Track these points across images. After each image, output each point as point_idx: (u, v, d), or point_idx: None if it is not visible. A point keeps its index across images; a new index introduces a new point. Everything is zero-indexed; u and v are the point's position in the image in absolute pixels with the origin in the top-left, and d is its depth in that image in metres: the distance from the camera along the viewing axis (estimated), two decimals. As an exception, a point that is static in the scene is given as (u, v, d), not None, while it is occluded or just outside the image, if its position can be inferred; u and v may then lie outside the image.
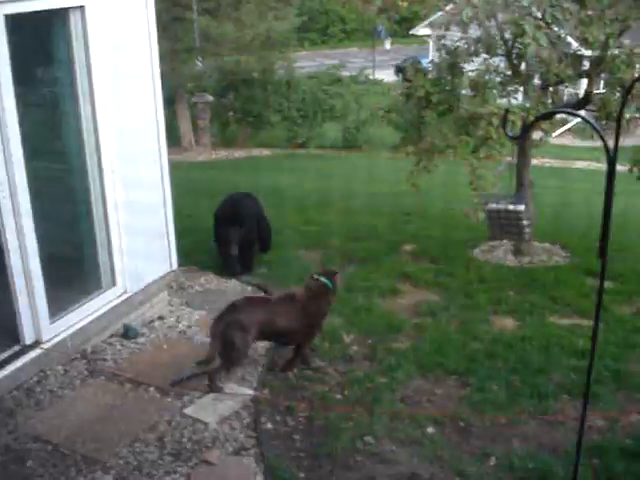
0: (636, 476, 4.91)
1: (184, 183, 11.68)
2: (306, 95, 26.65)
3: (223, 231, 8.73)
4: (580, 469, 3.92)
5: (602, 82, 9.78)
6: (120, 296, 6.90)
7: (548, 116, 8.61)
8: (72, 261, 6.92)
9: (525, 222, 8.15)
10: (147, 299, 7.26)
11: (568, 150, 26.29)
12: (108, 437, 5.23)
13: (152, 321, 7.29)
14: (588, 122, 3.30)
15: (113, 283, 6.85)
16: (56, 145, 6.84)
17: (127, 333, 6.87)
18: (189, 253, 8.89)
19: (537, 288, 8.61)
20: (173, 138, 19.97)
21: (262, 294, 7.69)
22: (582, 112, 8.45)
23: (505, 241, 10.07)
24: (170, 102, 22.05)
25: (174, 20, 22.49)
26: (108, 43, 6.31)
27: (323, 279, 6.42)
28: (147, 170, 7.09)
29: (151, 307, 7.33)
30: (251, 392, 5.99)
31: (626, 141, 4.77)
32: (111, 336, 6.81)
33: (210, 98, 25.18)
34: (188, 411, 5.64)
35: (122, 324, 6.91)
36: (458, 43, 8.83)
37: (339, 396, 6.05)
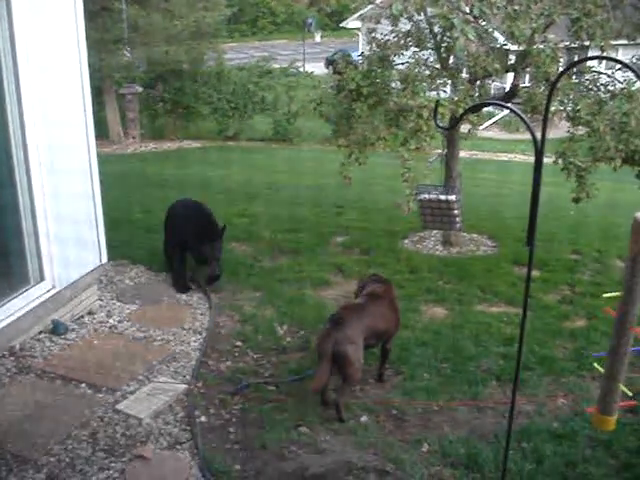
0: (563, 457, 5.08)
1: (113, 176, 11.51)
2: (236, 87, 26.48)
3: (203, 247, 8.04)
4: (510, 452, 4.02)
5: (528, 76, 10.01)
6: (49, 291, 6.75)
7: (478, 108, 8.78)
8: (-2, 256, 6.75)
9: (456, 212, 8.30)
10: (76, 294, 7.13)
11: (495, 142, 26.83)
12: (39, 435, 5.13)
13: (82, 316, 7.17)
14: (517, 114, 3.39)
15: (41, 278, 6.70)
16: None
17: (56, 329, 6.73)
18: (119, 247, 8.76)
19: (466, 278, 8.79)
20: (101, 130, 19.60)
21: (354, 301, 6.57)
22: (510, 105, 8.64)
23: (435, 232, 10.25)
24: (98, 94, 21.61)
25: (102, 10, 22.01)
26: (35, 33, 6.15)
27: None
28: (75, 163, 6.94)
29: (81, 302, 7.21)
30: (184, 386, 5.95)
31: (551, 134, 4.91)
32: (40, 332, 6.67)
33: (139, 89, 24.80)
34: (121, 407, 5.57)
35: (51, 320, 6.77)
36: (388, 36, 8.91)
37: (273, 387, 6.07)
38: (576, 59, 5.94)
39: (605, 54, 8.41)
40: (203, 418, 5.53)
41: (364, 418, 5.62)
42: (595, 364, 4.53)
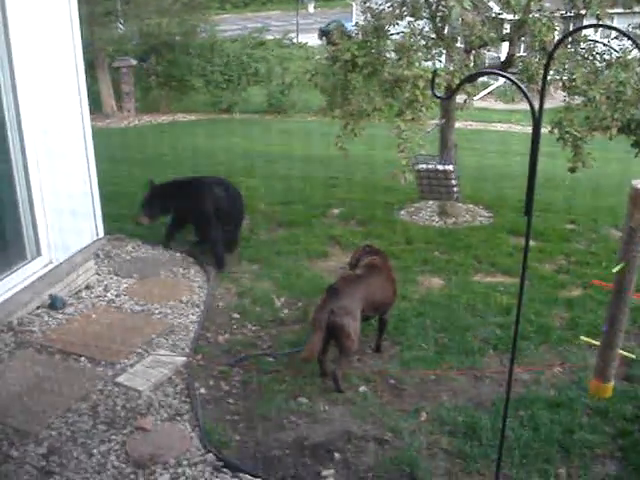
0: (560, 424, 5.13)
1: (108, 150, 11.46)
2: (229, 59, 26.29)
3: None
4: (507, 420, 4.06)
5: (523, 45, 9.96)
6: (46, 266, 6.75)
7: (475, 77, 8.74)
8: (-6, 232, 6.73)
9: (454, 182, 8.31)
10: (74, 269, 7.13)
11: (490, 112, 26.74)
12: (39, 409, 5.15)
13: (79, 291, 7.18)
14: (517, 84, 3.38)
15: (38, 253, 6.69)
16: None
17: (54, 304, 6.74)
18: (116, 220, 8.76)
19: (462, 248, 8.82)
20: (94, 104, 19.47)
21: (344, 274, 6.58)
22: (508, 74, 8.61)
23: (430, 202, 10.25)
24: (90, 67, 21.43)
25: (94, -18, 21.80)
26: (26, 5, 6.09)
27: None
28: (70, 138, 6.91)
29: (78, 277, 7.22)
30: (183, 358, 5.98)
31: (547, 103, 4.90)
32: (38, 307, 6.68)
33: (133, 62, 24.58)
34: (120, 379, 5.60)
35: (49, 295, 6.78)
36: (383, 6, 8.85)
37: (271, 359, 6.10)
38: (572, 28, 5.90)
39: (601, 23, 8.36)
40: (202, 390, 5.57)
41: (362, 388, 5.65)
42: (582, 337, 4.58)
